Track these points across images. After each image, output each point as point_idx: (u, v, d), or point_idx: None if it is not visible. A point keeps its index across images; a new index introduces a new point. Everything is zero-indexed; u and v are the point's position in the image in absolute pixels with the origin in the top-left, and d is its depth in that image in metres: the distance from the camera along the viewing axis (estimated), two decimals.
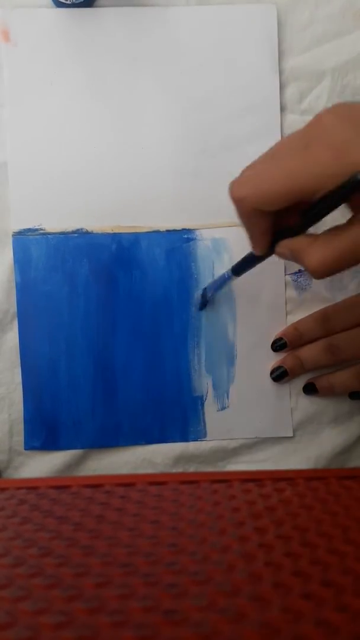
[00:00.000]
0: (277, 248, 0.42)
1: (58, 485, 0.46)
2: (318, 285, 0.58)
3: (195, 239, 0.57)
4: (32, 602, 0.29)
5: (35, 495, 0.44)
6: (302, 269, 0.57)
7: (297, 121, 0.57)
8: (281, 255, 0.43)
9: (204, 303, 0.56)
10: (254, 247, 0.44)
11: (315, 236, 0.39)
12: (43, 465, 0.57)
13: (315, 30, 0.57)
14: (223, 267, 0.57)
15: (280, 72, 0.57)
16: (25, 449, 0.57)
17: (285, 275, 0.58)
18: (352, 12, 0.57)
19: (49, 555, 0.34)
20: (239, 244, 0.56)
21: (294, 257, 0.41)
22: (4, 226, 0.56)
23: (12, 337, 0.57)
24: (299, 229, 0.40)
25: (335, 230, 0.38)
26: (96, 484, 0.46)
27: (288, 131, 0.56)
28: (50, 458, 0.57)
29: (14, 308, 0.56)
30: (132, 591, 0.30)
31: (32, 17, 0.55)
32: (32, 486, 0.46)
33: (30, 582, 0.31)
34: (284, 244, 0.41)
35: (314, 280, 0.57)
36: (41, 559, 0.34)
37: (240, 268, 0.50)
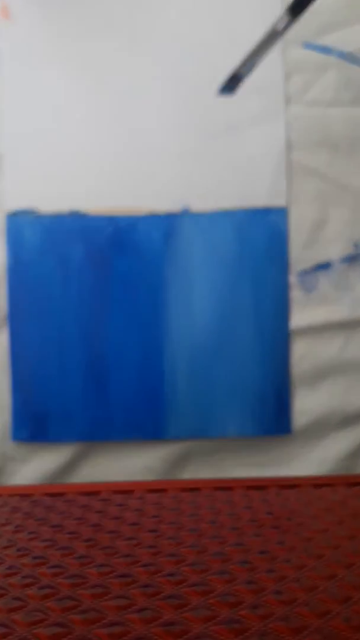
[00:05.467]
0: None
1: (53, 493, 0.45)
2: (324, 285, 0.57)
3: (195, 221, 0.56)
4: (27, 612, 0.28)
5: (29, 502, 0.43)
6: (308, 268, 0.56)
7: (302, 112, 0.56)
8: None
9: (235, 83, 0.52)
10: None
11: None
12: (37, 472, 0.56)
13: (320, 20, 0.57)
14: (224, 250, 0.56)
15: (285, 63, 0.57)
16: (12, 439, 0.56)
17: (290, 275, 0.57)
18: (359, 2, 0.57)
19: (44, 564, 0.33)
20: (239, 227, 0.56)
21: None
22: None
23: (5, 338, 0.56)
24: None
25: None
26: (92, 491, 0.45)
27: (293, 123, 0.56)
28: (44, 464, 0.56)
29: (5, 311, 0.56)
30: (131, 602, 0.29)
31: None
32: (25, 493, 0.45)
33: (25, 592, 0.30)
34: None
35: (319, 280, 0.56)
36: (36, 568, 0.33)
37: (299, 5, 0.46)
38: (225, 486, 0.45)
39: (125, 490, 0.45)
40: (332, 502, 0.41)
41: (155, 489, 0.45)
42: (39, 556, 0.34)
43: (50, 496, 0.44)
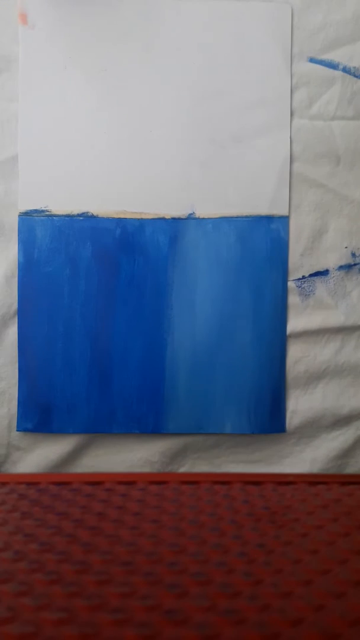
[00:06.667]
0: None
1: (59, 482, 0.45)
2: (321, 291, 0.58)
3: (200, 227, 0.57)
4: (33, 597, 0.29)
5: (35, 490, 0.44)
6: (306, 275, 0.57)
7: (306, 126, 0.57)
8: None
9: None
10: None
11: None
12: (40, 460, 0.57)
13: (327, 34, 0.57)
14: (226, 254, 0.57)
15: (291, 76, 0.57)
16: (17, 430, 0.57)
17: (288, 281, 0.58)
18: None
19: (49, 551, 0.34)
20: (242, 233, 0.57)
21: None
22: (9, 221, 0.56)
23: (14, 331, 0.57)
24: None
25: None
26: (97, 481, 0.45)
27: (297, 136, 0.56)
28: (47, 453, 0.57)
29: (16, 304, 0.56)
30: (134, 590, 0.30)
31: (49, 0, 0.56)
32: (32, 481, 0.46)
33: (31, 577, 0.31)
34: None
35: (317, 286, 0.57)
36: (42, 554, 0.33)
37: None
38: (223, 480, 0.46)
39: (128, 481, 0.45)
40: (327, 499, 0.42)
41: (157, 480, 0.46)
42: (45, 542, 0.35)
43: (56, 485, 0.45)
